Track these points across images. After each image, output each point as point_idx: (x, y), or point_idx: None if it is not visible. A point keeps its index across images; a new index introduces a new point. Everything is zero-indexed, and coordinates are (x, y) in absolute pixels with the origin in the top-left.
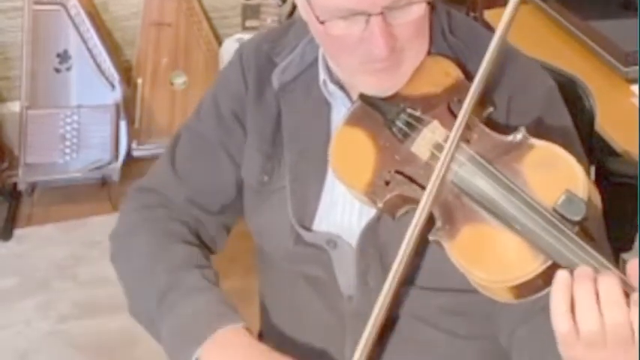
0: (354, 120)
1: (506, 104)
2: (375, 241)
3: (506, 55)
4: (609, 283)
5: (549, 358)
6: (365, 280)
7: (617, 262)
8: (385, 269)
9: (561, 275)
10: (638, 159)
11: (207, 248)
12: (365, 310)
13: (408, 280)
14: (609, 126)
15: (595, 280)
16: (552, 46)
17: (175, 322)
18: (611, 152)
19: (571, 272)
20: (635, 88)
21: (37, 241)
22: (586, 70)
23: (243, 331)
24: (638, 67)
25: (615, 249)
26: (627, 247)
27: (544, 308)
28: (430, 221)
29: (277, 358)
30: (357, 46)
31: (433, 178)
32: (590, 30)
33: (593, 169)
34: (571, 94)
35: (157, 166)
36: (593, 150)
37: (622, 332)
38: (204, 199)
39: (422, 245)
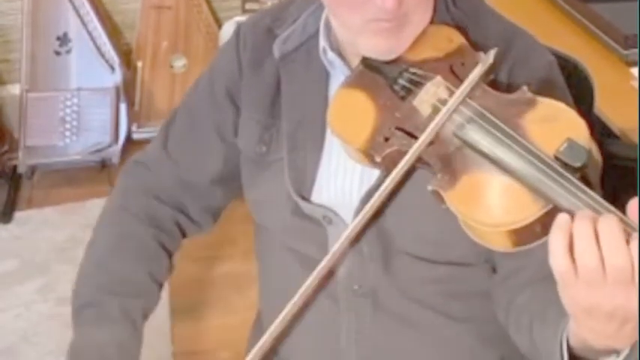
0: (354, 83)
1: (507, 75)
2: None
3: (509, 29)
4: (608, 221)
5: (550, 313)
6: (359, 246)
7: None
8: (380, 237)
9: (562, 217)
10: (637, 141)
11: (183, 233)
12: (358, 283)
13: (403, 249)
14: (608, 108)
15: (595, 220)
16: (552, 29)
17: (75, 341)
18: (610, 134)
19: (572, 217)
20: (634, 70)
21: (36, 224)
22: (585, 53)
23: None
24: (637, 50)
25: None
26: None
27: (545, 278)
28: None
29: None
30: (365, 2)
31: (431, 125)
32: (589, 12)
33: None
34: (570, 76)
35: (153, 141)
36: (592, 132)
37: (621, 268)
38: (192, 175)
39: (419, 212)
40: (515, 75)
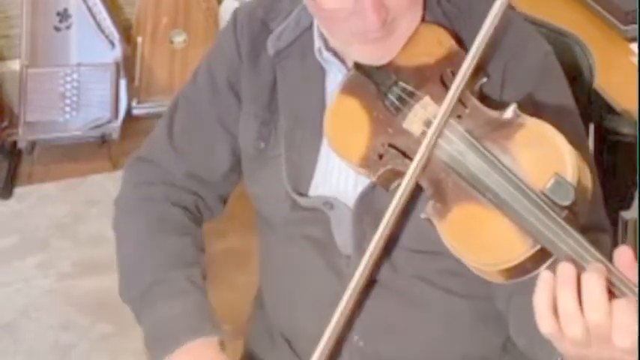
0: (348, 90)
1: (501, 73)
2: (370, 209)
3: (501, 21)
4: (591, 282)
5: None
6: (361, 246)
7: (616, 221)
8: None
9: (544, 276)
10: (637, 117)
11: (202, 216)
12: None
13: (402, 244)
14: (608, 84)
15: (578, 279)
16: (551, 4)
17: (152, 322)
18: (610, 111)
19: (554, 270)
20: (634, 46)
21: (37, 200)
22: (585, 29)
23: (212, 344)
24: (637, 26)
25: (614, 207)
26: (626, 205)
27: None
28: (422, 192)
29: None
30: (349, 18)
31: (417, 156)
32: None
33: (591, 128)
34: (570, 52)
35: (156, 135)
36: (592, 108)
37: (603, 332)
38: (202, 171)
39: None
40: (510, 71)
